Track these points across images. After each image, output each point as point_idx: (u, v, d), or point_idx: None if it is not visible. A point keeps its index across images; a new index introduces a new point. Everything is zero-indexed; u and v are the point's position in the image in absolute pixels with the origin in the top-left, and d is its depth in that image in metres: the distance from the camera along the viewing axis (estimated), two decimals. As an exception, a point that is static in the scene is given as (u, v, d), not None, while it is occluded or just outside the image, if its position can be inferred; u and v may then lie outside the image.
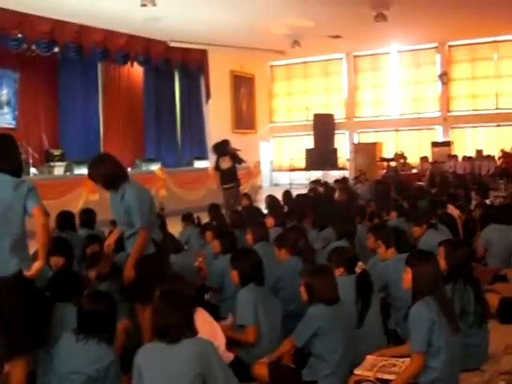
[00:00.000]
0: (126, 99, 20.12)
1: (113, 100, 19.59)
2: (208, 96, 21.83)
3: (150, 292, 4.56)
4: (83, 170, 13.98)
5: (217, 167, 13.01)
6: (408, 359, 4.23)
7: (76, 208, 11.29)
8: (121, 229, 5.48)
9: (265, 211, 9.95)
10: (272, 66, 27.44)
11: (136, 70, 20.15)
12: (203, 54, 21.30)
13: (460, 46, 24.02)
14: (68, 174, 15.39)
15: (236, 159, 12.98)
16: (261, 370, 4.59)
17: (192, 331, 3.59)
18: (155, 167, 17.51)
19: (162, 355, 3.51)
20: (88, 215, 7.91)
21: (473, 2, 16.63)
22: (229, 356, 4.66)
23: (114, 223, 6.35)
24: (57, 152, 16.53)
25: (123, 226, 5.38)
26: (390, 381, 4.14)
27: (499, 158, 22.12)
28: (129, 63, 19.22)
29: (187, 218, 9.24)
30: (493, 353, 4.95)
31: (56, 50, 16.57)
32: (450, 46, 24.10)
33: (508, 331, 5.64)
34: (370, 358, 4.48)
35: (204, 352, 3.55)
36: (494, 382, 4.50)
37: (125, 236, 5.36)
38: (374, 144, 24.26)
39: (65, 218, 7.40)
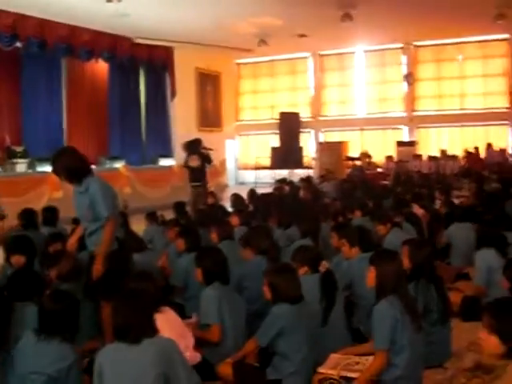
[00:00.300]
0: (91, 96, 19.84)
1: (77, 96, 19.27)
2: (173, 93, 21.67)
3: (114, 289, 4.51)
4: (46, 167, 13.81)
5: (185, 165, 13.05)
6: (372, 357, 4.24)
7: (39, 205, 11.12)
8: (83, 226, 5.41)
9: (230, 210, 9.93)
10: (238, 64, 27.34)
11: (101, 67, 19.91)
12: (169, 51, 21.14)
13: (425, 46, 24.19)
14: (31, 171, 15.17)
15: (206, 159, 13.04)
16: (225, 369, 4.56)
17: (153, 330, 3.55)
18: (119, 165, 17.37)
19: (122, 356, 3.46)
20: (50, 213, 7.84)
21: (438, 3, 16.80)
22: (196, 356, 4.63)
23: (76, 221, 6.27)
24: (19, 149, 16.21)
25: (86, 223, 5.33)
26: (353, 379, 4.14)
27: (463, 158, 22.41)
28: (93, 59, 18.97)
29: (151, 216, 9.20)
30: (456, 350, 4.99)
31: (18, 44, 16.27)
32: (416, 47, 24.28)
33: (470, 329, 5.69)
34: (333, 357, 4.48)
35: (166, 351, 3.52)
36: (456, 379, 4.54)
37: (86, 233, 5.30)
38: (340, 143, 24.32)
39: (27, 216, 7.31)
